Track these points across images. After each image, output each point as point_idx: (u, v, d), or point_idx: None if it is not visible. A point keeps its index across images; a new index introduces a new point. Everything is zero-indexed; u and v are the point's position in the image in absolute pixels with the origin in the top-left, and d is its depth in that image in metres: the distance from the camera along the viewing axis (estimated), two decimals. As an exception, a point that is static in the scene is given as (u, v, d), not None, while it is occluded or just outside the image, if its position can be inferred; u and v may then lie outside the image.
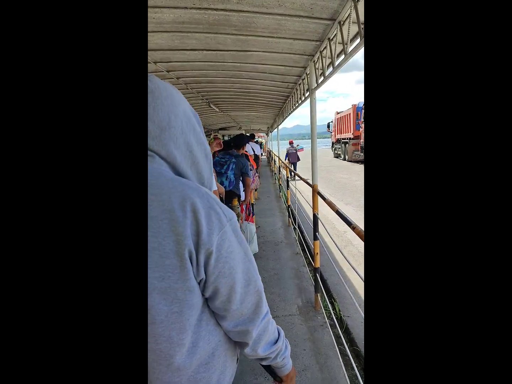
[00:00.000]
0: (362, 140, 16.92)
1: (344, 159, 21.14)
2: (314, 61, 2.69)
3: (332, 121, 24.49)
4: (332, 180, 11.97)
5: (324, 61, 2.51)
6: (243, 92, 4.97)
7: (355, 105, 18.79)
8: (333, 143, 25.42)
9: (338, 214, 1.86)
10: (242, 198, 3.92)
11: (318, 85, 2.59)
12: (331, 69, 2.20)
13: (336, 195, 8.81)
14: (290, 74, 3.49)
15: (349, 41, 1.78)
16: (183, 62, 3.19)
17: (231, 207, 2.87)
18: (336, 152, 24.34)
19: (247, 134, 8.10)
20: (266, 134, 20.54)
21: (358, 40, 1.69)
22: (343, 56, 1.89)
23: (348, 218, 1.66)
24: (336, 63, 2.09)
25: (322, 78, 2.46)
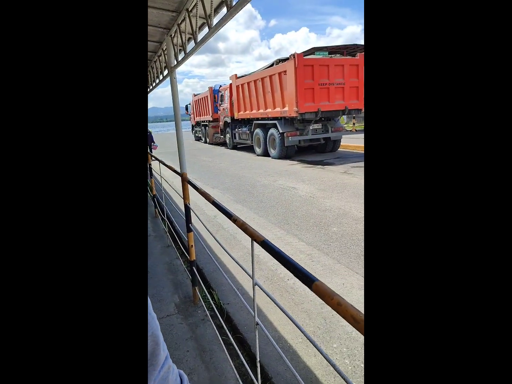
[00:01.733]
0: (221, 123, 17.32)
1: (205, 142, 21.30)
2: (171, 35, 2.41)
3: (190, 104, 24.14)
4: (196, 164, 11.86)
5: (183, 36, 2.26)
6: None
7: (211, 87, 18.93)
8: (193, 126, 25.19)
9: (215, 206, 1.73)
10: None
11: (178, 63, 2.32)
12: (192, 44, 1.98)
13: (202, 180, 8.76)
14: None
15: (212, 12, 1.59)
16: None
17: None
18: (196, 135, 24.24)
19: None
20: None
21: (224, 10, 1.51)
22: (207, 30, 1.69)
23: (227, 210, 1.54)
24: (199, 38, 1.89)
25: (183, 55, 2.21)
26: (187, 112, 25.26)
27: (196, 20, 1.86)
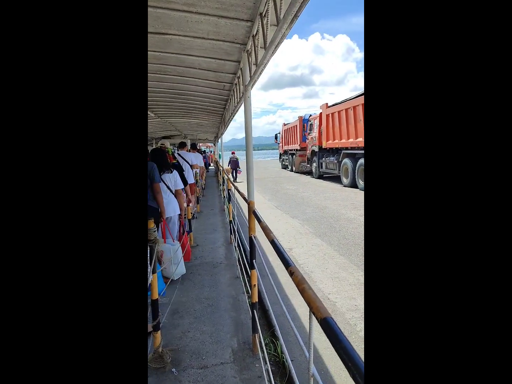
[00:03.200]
0: (308, 152, 17.12)
1: (292, 170, 21.26)
2: (248, 50, 2.21)
3: (279, 133, 24.65)
4: (279, 192, 11.71)
5: (258, 51, 2.03)
6: (174, 92, 4.36)
7: (301, 117, 19.03)
8: (280, 154, 25.55)
9: (274, 247, 1.36)
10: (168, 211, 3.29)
11: (252, 78, 2.10)
12: (263, 52, 1.72)
13: (283, 208, 8.48)
14: (223, 70, 2.99)
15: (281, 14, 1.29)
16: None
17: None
18: (283, 163, 24.46)
19: (191, 143, 7.48)
20: (214, 144, 20.03)
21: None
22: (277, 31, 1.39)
23: (286, 256, 1.16)
24: (269, 40, 1.61)
25: (255, 68, 1.97)
26: (276, 140, 25.82)
27: (268, 30, 1.60)
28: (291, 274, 1.04)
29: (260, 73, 2.52)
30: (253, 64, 2.18)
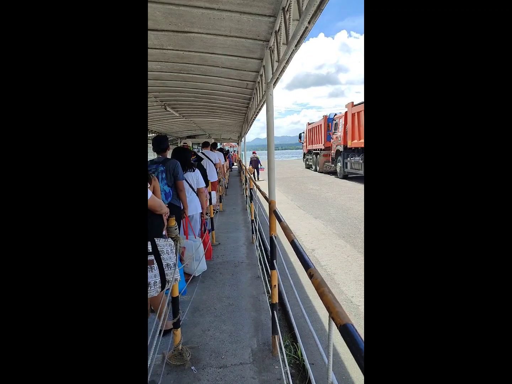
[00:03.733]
0: (333, 152, 16.83)
1: (315, 170, 20.99)
2: (271, 48, 2.17)
3: (303, 132, 24.40)
4: (302, 192, 11.58)
5: (280, 48, 1.99)
6: (198, 91, 4.39)
7: (326, 116, 18.72)
8: (304, 154, 25.28)
9: (294, 248, 1.31)
10: (191, 208, 3.31)
11: (274, 75, 2.05)
12: (284, 48, 1.67)
13: (306, 208, 8.37)
14: (246, 69, 2.96)
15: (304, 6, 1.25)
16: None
17: (168, 230, 2.25)
18: (307, 163, 24.18)
19: (212, 142, 7.53)
20: (237, 144, 20.14)
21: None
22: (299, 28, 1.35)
23: (306, 258, 1.11)
24: (291, 35, 1.56)
25: (277, 64, 1.93)
26: (300, 140, 25.58)
27: (290, 24, 1.55)
28: (311, 276, 1.00)
29: (283, 70, 2.47)
30: (276, 61, 2.14)
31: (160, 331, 1.96)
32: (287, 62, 2.25)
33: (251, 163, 17.61)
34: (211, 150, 7.13)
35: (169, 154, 3.35)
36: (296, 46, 1.99)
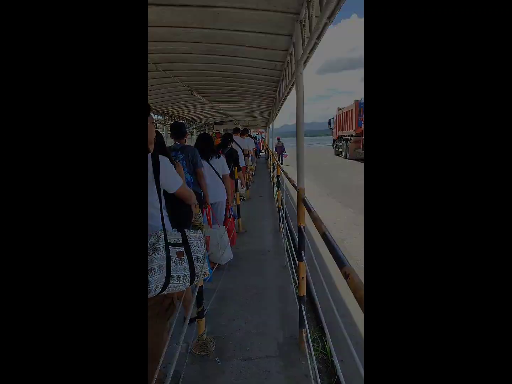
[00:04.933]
0: (364, 138, 16.24)
1: (346, 157, 20.36)
2: (302, 21, 1.98)
3: (333, 118, 23.64)
4: (332, 180, 11.26)
5: (312, 20, 1.80)
6: (224, 74, 4.25)
7: (357, 101, 17.98)
8: (334, 141, 24.56)
9: (325, 241, 1.18)
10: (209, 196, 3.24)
11: (305, 51, 1.87)
12: (315, 22, 1.48)
13: (335, 196, 8.12)
14: (274, 47, 2.78)
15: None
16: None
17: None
18: (337, 150, 23.50)
19: (242, 129, 7.42)
20: (265, 130, 19.93)
21: None
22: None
23: (340, 254, 0.98)
24: (324, 1, 1.38)
25: (307, 40, 1.75)
26: (330, 126, 24.87)
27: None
28: (346, 276, 0.87)
29: (314, 48, 2.27)
30: (306, 37, 1.96)
31: (185, 319, 1.90)
32: (319, 38, 2.05)
33: (276, 149, 17.96)
34: (240, 136, 7.01)
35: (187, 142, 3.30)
36: (329, 18, 1.80)
